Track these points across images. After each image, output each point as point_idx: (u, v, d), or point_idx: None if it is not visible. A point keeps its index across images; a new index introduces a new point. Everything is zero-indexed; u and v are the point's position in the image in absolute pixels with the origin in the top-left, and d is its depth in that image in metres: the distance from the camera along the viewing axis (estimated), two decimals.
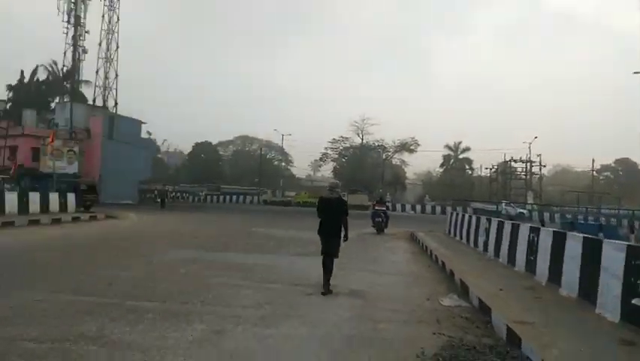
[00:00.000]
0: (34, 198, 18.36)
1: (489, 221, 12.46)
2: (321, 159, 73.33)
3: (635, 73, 30.21)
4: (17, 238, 12.68)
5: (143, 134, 54.62)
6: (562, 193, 71.51)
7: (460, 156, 77.40)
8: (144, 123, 52.36)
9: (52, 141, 26.64)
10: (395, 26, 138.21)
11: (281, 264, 10.28)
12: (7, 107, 58.60)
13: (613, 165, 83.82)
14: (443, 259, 10.71)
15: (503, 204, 47.00)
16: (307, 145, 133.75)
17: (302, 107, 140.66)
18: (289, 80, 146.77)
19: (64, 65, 56.00)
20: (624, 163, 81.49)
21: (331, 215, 7.62)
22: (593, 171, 71.21)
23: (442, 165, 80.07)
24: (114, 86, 53.30)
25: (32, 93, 57.91)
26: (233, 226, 20.12)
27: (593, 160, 70.86)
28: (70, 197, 20.81)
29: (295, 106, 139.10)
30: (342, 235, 7.68)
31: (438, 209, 52.56)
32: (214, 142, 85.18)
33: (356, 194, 49.99)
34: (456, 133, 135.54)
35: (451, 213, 18.53)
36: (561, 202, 57.12)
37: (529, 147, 57.90)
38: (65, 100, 50.11)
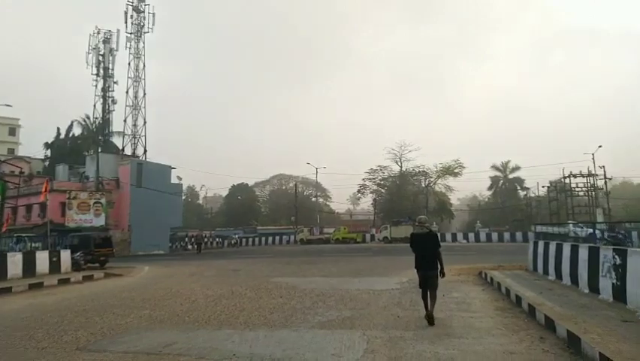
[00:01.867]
0: (16, 259, 15.31)
1: (619, 255, 8.03)
2: (359, 191, 69.36)
3: None
4: None
5: (174, 180, 52.80)
6: (625, 208, 63.68)
7: (510, 176, 71.59)
8: (173, 168, 50.71)
9: (46, 190, 24.15)
10: (414, 57, 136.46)
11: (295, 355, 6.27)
12: (46, 164, 59.26)
13: None
14: (579, 333, 6.36)
15: (571, 225, 40.94)
16: (346, 179, 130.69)
17: (339, 143, 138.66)
18: (322, 117, 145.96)
19: (95, 118, 56.07)
20: None
21: (425, 249, 7.87)
22: None
23: (490, 188, 74.36)
24: (143, 134, 52.22)
25: (68, 149, 58.05)
26: (253, 277, 16.30)
27: None
28: (65, 255, 17.73)
29: (332, 141, 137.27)
30: (439, 270, 7.77)
31: (494, 236, 47.11)
32: (251, 183, 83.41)
33: (400, 225, 45.26)
34: (501, 154, 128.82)
35: (535, 243, 13.95)
36: (628, 218, 49.89)
37: (593, 158, 51.58)
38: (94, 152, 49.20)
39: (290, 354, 6.12)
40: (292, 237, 55.00)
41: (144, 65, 53.20)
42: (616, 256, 8.10)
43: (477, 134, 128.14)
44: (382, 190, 67.80)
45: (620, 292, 7.83)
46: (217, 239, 53.55)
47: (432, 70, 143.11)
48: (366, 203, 73.69)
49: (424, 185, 64.56)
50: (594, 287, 8.98)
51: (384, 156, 77.14)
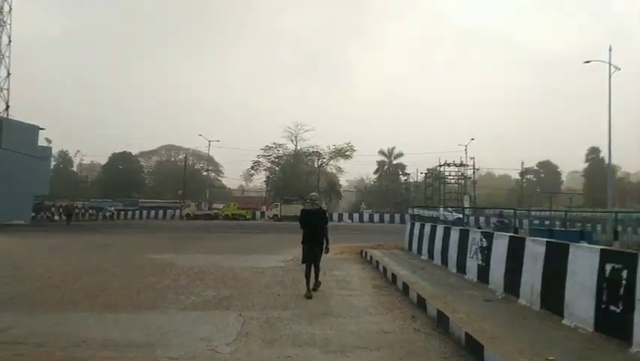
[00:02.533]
0: None
1: (486, 237, 8.65)
2: (252, 167, 68.15)
3: (585, 62, 28.87)
4: None
5: (42, 143, 46.43)
6: (488, 196, 72.34)
7: (394, 162, 76.14)
8: (42, 129, 44.46)
9: None
10: (314, 39, 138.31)
11: (153, 333, 5.60)
12: None
13: (535, 167, 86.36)
14: (437, 304, 6.62)
15: (441, 209, 44.93)
16: (240, 154, 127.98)
17: (233, 118, 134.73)
18: (217, 91, 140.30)
19: None
20: (545, 166, 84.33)
21: (314, 225, 8.06)
22: (522, 173, 72.53)
23: (376, 172, 78.39)
24: (5, 87, 44.79)
25: None
26: (126, 253, 14.90)
27: (523, 163, 72.21)
28: None
29: (225, 116, 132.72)
30: (325, 245, 8.14)
31: (376, 217, 49.99)
32: (135, 152, 77.14)
33: (291, 204, 45.59)
34: (389, 140, 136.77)
35: (412, 225, 14.75)
36: (488, 205, 56.57)
37: (466, 150, 57.05)
38: None
39: (153, 340, 5.46)
40: (178, 212, 52.31)
41: (10, 8, 45.43)
42: (483, 239, 8.74)
43: (369, 119, 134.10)
44: (276, 168, 67.55)
45: (483, 273, 8.48)
46: (90, 211, 48.76)
47: (329, 53, 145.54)
48: (260, 180, 73.08)
49: (316, 165, 65.78)
50: (462, 267, 9.66)
51: (280, 134, 76.79)
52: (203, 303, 7.48)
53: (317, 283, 8.33)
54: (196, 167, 78.56)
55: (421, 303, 7.24)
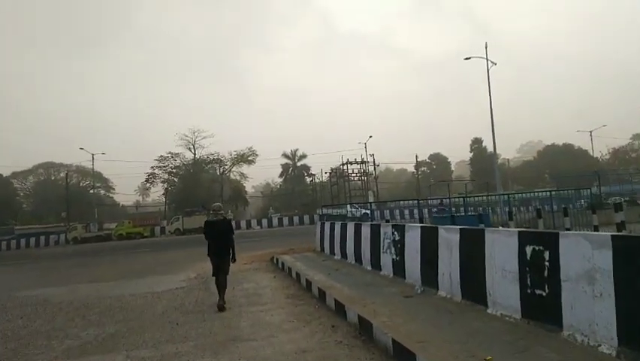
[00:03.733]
0: None
1: (398, 230, 8.30)
2: (147, 180, 63.43)
3: (465, 59, 30.93)
4: None
5: None
6: (388, 190, 75.86)
7: (299, 164, 76.33)
8: None
9: None
10: (206, 40, 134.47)
11: None
12: None
13: (428, 160, 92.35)
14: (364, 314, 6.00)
15: (348, 206, 45.76)
16: (132, 168, 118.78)
17: (119, 128, 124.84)
18: (97, 98, 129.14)
19: None
20: (436, 157, 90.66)
21: (219, 236, 7.98)
22: (416, 165, 76.95)
23: (281, 175, 77.92)
24: None
25: None
26: None
27: (417, 156, 76.56)
28: None
29: (111, 127, 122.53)
30: (231, 255, 8.06)
31: (285, 220, 49.38)
32: (7, 173, 67.69)
33: (193, 215, 43.02)
34: (291, 143, 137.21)
35: (322, 225, 14.22)
36: (391, 198, 59.12)
37: (365, 147, 58.95)
38: None
39: None
40: (64, 236, 46.63)
41: None
42: (395, 233, 8.40)
43: (269, 123, 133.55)
44: (175, 179, 63.72)
45: (399, 268, 8.12)
46: None
47: (222, 55, 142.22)
48: (157, 193, 68.29)
49: (219, 173, 63.34)
50: (376, 264, 9.27)
51: (175, 142, 72.75)
52: (80, 347, 6.06)
53: (220, 305, 7.73)
54: (82, 184, 71.19)
55: (340, 309, 6.60)
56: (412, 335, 4.68)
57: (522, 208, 21.90)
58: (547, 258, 4.50)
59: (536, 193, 23.61)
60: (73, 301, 9.68)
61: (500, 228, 7.17)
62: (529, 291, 4.73)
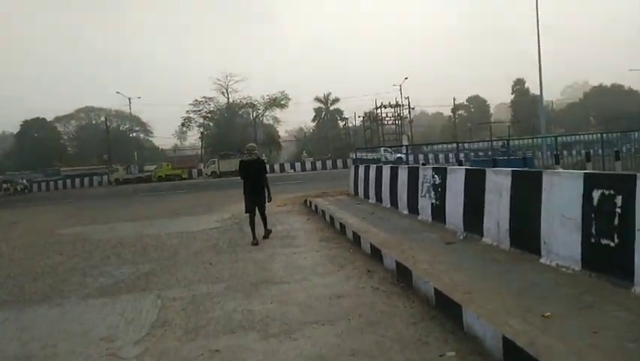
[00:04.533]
0: None
1: (438, 173, 7.75)
2: (183, 124, 64.13)
3: None
4: None
5: None
6: (423, 135, 73.66)
7: (331, 108, 74.98)
8: None
9: None
10: None
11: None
12: None
13: (466, 103, 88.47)
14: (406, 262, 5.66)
15: (382, 150, 44.88)
16: (170, 112, 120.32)
17: (155, 73, 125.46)
18: (132, 45, 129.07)
19: None
20: (474, 100, 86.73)
21: (254, 175, 8.18)
22: (454, 109, 74.01)
23: (314, 119, 77.02)
24: None
25: None
26: (34, 230, 12.80)
27: (454, 98, 73.47)
28: None
29: (149, 72, 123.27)
30: (267, 194, 8.28)
31: (318, 165, 49.24)
32: (50, 118, 69.94)
33: (228, 159, 43.42)
34: (324, 86, 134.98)
35: (356, 168, 13.78)
36: (426, 142, 57.37)
37: (400, 90, 56.89)
38: None
39: (31, 349, 4.05)
40: (106, 178, 48.44)
41: None
42: (435, 176, 7.87)
43: (301, 67, 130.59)
44: (210, 123, 64.13)
45: (439, 213, 7.66)
46: (5, 185, 43.87)
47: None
48: (194, 137, 69.18)
49: (252, 117, 63.15)
50: (414, 208, 8.84)
51: (209, 86, 72.51)
52: (113, 285, 6.05)
53: (267, 232, 8.48)
54: (121, 128, 72.87)
55: (376, 254, 6.28)
56: (456, 285, 4.30)
57: (566, 152, 20.63)
58: (619, 204, 3.91)
59: (584, 136, 22.14)
60: (111, 240, 9.84)
61: (561, 170, 6.49)
62: (593, 240, 4.19)
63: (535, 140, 21.05)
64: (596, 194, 4.19)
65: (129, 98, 54.20)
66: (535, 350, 2.81)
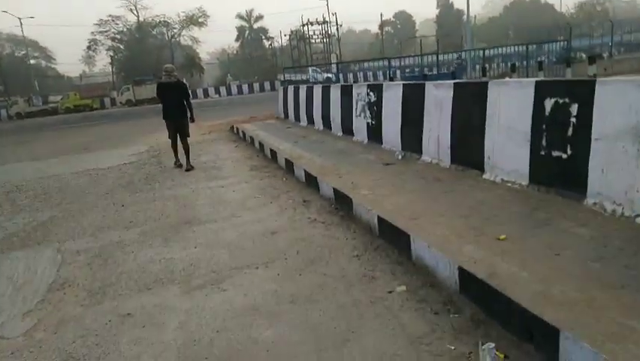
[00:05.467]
0: None
1: (374, 90, 7.16)
2: (89, 47, 57.41)
3: None
4: None
5: None
6: (352, 53, 72.39)
7: (255, 26, 70.59)
8: None
9: None
10: None
11: None
12: None
13: (392, 19, 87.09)
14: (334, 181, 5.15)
15: (310, 70, 43.45)
16: (73, 34, 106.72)
17: None
18: None
19: None
20: (401, 16, 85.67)
21: (174, 98, 7.75)
22: (381, 25, 72.70)
23: (237, 39, 72.35)
24: None
25: None
26: None
27: (382, 14, 71.89)
28: None
29: None
30: (189, 116, 7.91)
31: (245, 88, 46.95)
32: None
33: (144, 85, 39.92)
34: (247, 3, 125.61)
35: (285, 90, 12.84)
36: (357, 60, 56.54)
37: (327, 5, 54.27)
38: None
39: None
40: (4, 112, 42.90)
41: None
42: (371, 93, 7.29)
43: None
44: (120, 46, 57.88)
45: (375, 132, 7.20)
46: None
47: None
48: (103, 62, 62.40)
49: (167, 38, 57.75)
50: (348, 129, 8.31)
51: (114, 3, 64.56)
52: (3, 241, 5.05)
53: (189, 165, 7.82)
54: (16, 55, 63.96)
55: (312, 181, 5.76)
56: (400, 210, 3.90)
57: (490, 65, 20.94)
58: (574, 113, 3.57)
59: (507, 49, 22.48)
60: (5, 184, 8.47)
61: (508, 79, 6.14)
62: (543, 153, 3.90)
63: (463, 53, 21.01)
64: (548, 103, 3.83)
65: (19, 19, 46.95)
66: (498, 282, 2.47)
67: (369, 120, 7.39)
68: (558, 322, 2.00)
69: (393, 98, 6.63)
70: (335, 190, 4.94)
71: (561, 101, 3.69)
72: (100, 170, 8.86)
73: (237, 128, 12.01)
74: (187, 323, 2.91)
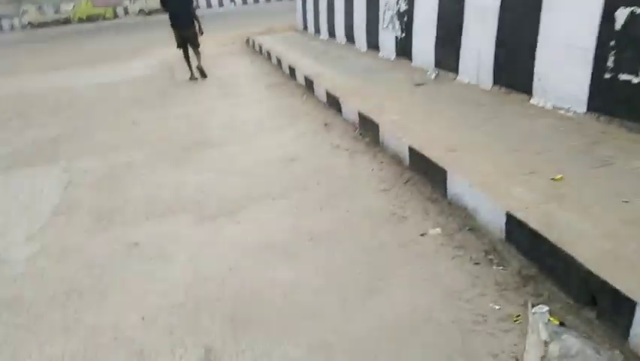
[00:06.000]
0: None
1: None
2: None
3: None
4: None
5: None
6: None
7: None
8: None
9: None
10: None
11: None
12: None
13: None
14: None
15: None
16: None
17: None
18: None
19: None
20: None
21: (178, 6, 7.41)
22: None
23: None
24: None
25: None
26: None
27: None
28: None
29: None
30: (198, 27, 7.56)
31: None
32: None
33: None
34: None
35: None
36: None
37: None
38: None
39: None
40: (17, 21, 41.61)
41: None
42: (401, 2, 6.46)
43: None
44: None
45: (404, 47, 6.48)
46: None
47: None
48: None
49: None
50: (373, 44, 7.55)
51: None
52: (9, 157, 4.85)
53: (202, 70, 7.73)
54: None
55: (334, 102, 5.28)
56: (435, 140, 3.46)
57: None
58: None
59: None
60: (15, 96, 8.19)
61: None
62: (607, 76, 3.32)
63: None
64: (621, 14, 3.17)
65: None
66: (554, 234, 2.10)
67: (398, 33, 6.63)
68: (633, 293, 1.65)
69: (427, 6, 5.85)
70: (360, 114, 4.47)
71: (639, 11, 3.03)
72: (111, 83, 8.49)
73: (254, 41, 11.23)
74: (197, 257, 2.67)
